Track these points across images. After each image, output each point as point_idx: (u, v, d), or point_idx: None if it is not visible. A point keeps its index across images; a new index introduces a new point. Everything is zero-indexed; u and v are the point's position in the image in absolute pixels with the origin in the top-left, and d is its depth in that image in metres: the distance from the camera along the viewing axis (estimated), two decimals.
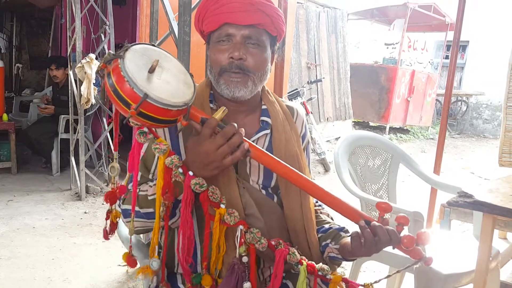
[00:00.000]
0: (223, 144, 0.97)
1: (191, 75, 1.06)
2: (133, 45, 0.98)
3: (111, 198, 1.10)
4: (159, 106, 0.92)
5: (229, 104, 1.19)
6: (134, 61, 0.94)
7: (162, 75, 0.98)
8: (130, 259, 1.10)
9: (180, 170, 0.98)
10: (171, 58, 1.04)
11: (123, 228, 1.44)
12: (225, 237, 1.05)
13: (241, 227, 1.02)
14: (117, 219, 1.14)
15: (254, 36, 1.12)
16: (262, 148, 1.19)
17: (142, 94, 0.90)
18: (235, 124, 0.98)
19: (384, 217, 1.02)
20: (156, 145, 0.98)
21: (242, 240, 1.02)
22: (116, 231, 1.43)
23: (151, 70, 0.94)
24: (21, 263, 2.71)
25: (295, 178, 1.05)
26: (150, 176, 1.15)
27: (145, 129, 0.99)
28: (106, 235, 1.15)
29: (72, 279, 2.58)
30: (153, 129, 1.02)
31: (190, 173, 0.98)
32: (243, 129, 1.00)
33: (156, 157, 1.12)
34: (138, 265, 1.12)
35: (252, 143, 1.04)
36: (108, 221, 1.14)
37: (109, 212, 1.13)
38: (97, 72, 0.97)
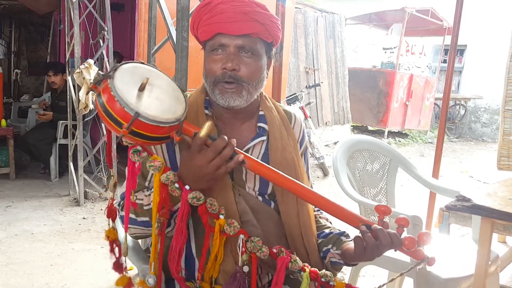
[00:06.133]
0: (214, 158, 0.97)
1: (183, 91, 1.06)
2: (122, 64, 0.98)
3: (111, 213, 1.11)
4: (150, 123, 0.92)
5: (225, 111, 1.19)
6: (124, 80, 0.94)
7: (152, 92, 0.97)
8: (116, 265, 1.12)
9: (176, 185, 0.98)
10: (161, 75, 1.04)
11: (122, 233, 1.43)
12: (224, 243, 1.05)
13: (241, 236, 1.02)
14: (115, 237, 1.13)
15: (247, 45, 1.11)
16: (259, 154, 1.19)
17: (133, 113, 0.90)
18: (225, 137, 0.98)
19: (384, 220, 1.02)
20: (151, 163, 0.98)
21: (244, 249, 1.02)
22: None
23: (141, 88, 0.94)
24: (19, 269, 2.70)
25: (292, 187, 1.05)
26: (147, 184, 1.14)
27: (139, 148, 0.98)
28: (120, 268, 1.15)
29: (71, 285, 2.56)
30: (147, 146, 1.02)
31: (187, 187, 0.98)
32: (234, 140, 0.99)
33: None
34: (135, 269, 1.12)
35: (246, 154, 1.04)
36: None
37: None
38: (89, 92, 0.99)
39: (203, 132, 0.97)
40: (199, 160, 0.97)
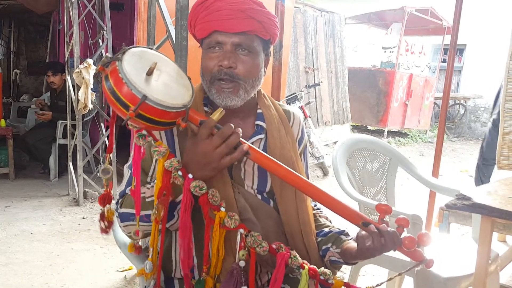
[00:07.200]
0: (221, 144, 0.97)
1: (189, 78, 1.06)
2: (131, 47, 0.98)
3: (107, 199, 1.09)
4: (157, 107, 0.92)
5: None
6: (132, 63, 0.94)
7: (160, 77, 0.97)
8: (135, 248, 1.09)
9: (180, 173, 0.98)
10: (169, 61, 1.04)
11: (121, 233, 1.43)
12: (224, 241, 1.04)
13: (241, 230, 1.02)
14: (113, 216, 1.12)
15: (244, 43, 1.10)
16: None
17: (141, 96, 0.90)
18: (232, 125, 0.98)
19: (384, 219, 1.02)
20: (156, 148, 0.98)
21: (242, 244, 1.02)
22: (113, 236, 1.43)
23: (149, 73, 0.94)
24: (18, 269, 2.69)
25: (294, 180, 1.04)
26: (148, 179, 1.14)
27: (144, 132, 0.99)
28: (104, 230, 1.11)
29: (70, 285, 2.56)
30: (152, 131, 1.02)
31: (190, 175, 0.98)
32: (240, 129, 1.00)
33: (154, 160, 1.12)
34: (135, 269, 1.11)
35: (250, 144, 1.04)
36: (103, 223, 1.11)
37: (103, 214, 1.11)
38: (95, 76, 0.98)
39: (215, 116, 0.98)
40: (205, 146, 0.97)
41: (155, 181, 1.00)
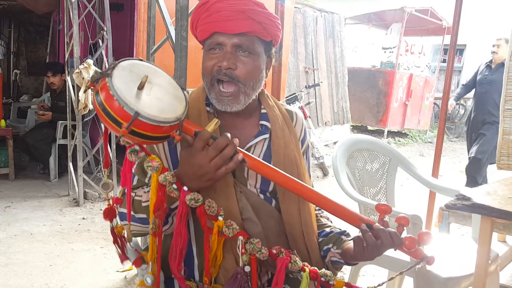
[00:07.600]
0: (216, 156, 0.96)
1: (183, 89, 1.04)
2: (120, 61, 0.95)
3: (109, 214, 1.09)
4: (150, 123, 0.89)
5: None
6: (123, 78, 0.91)
7: (152, 91, 0.95)
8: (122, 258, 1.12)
9: (174, 186, 0.97)
10: (160, 72, 1.02)
11: None
12: (222, 244, 1.04)
13: (240, 237, 1.02)
14: (123, 232, 1.12)
15: (244, 44, 1.10)
16: (261, 152, 1.19)
17: (133, 113, 0.87)
18: (229, 135, 0.97)
19: (384, 219, 1.02)
20: (149, 163, 0.97)
21: (243, 250, 1.02)
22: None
23: (141, 87, 0.91)
24: (18, 270, 2.69)
25: (293, 186, 1.05)
26: (146, 180, 1.14)
27: (136, 147, 0.97)
28: (123, 258, 1.16)
29: (70, 285, 2.56)
30: (146, 146, 1.01)
31: (185, 188, 0.97)
32: (237, 140, 0.98)
33: None
34: (134, 269, 1.12)
35: (247, 152, 1.03)
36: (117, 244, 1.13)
37: (113, 231, 1.11)
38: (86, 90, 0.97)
39: (210, 127, 0.96)
40: (200, 158, 0.96)
41: (150, 195, 1.00)
